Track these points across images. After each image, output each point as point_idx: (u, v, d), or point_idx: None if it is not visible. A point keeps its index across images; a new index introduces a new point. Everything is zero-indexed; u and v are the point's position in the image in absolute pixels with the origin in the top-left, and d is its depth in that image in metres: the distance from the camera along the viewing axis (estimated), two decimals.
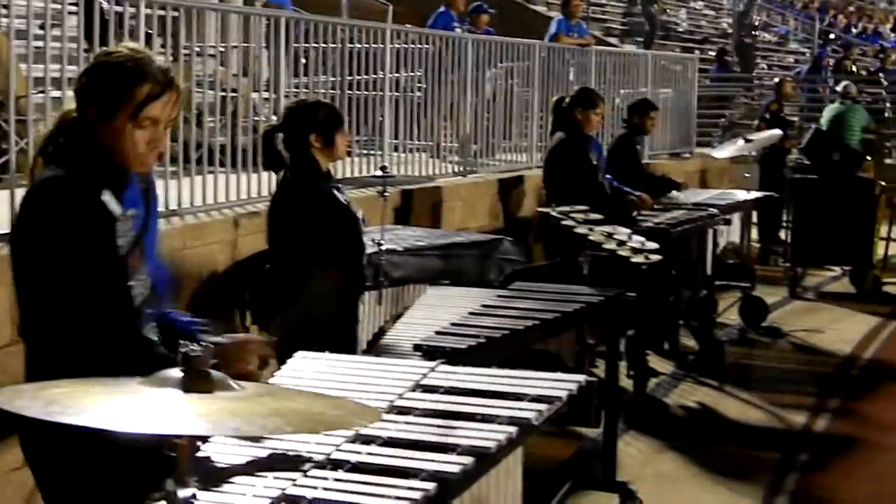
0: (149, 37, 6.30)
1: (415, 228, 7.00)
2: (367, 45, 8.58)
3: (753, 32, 20.73)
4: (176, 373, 1.82)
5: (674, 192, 8.20)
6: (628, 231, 5.43)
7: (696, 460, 5.81)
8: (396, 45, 8.99)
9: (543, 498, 4.92)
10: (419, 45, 9.41)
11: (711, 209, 7.80)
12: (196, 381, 1.80)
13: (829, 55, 21.77)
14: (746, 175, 10.81)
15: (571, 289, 4.76)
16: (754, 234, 11.16)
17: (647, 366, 6.79)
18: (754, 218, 10.78)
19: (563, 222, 5.39)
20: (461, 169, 9.51)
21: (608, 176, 7.65)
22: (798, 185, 10.15)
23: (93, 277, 2.60)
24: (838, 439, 6.27)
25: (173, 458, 1.80)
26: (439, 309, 4.47)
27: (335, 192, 4.38)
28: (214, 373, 1.83)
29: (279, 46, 7.44)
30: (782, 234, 11.02)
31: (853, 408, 6.87)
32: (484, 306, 4.44)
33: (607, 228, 5.29)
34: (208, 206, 6.42)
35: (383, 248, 5.68)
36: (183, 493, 1.81)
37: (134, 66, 2.70)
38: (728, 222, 7.90)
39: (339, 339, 4.24)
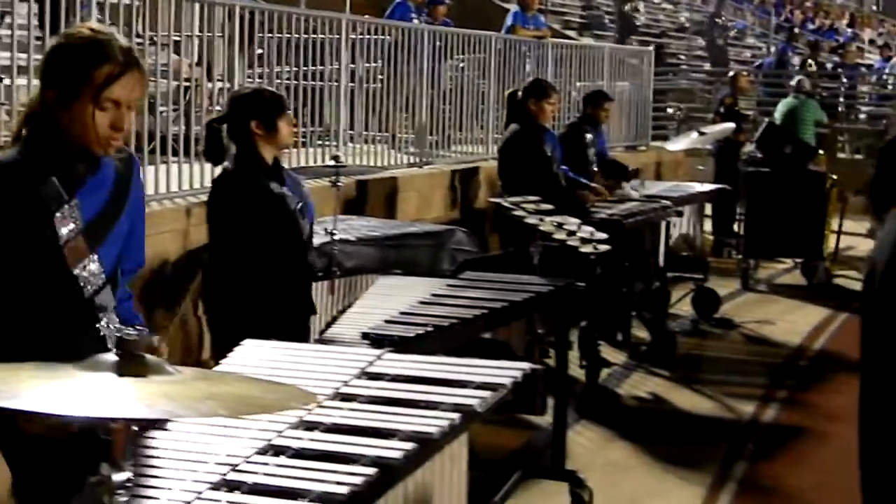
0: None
1: (368, 219, 7.01)
2: (325, 36, 8.57)
3: (726, 33, 20.89)
4: (111, 357, 1.82)
5: (633, 182, 8.25)
6: (578, 221, 5.47)
7: (645, 449, 5.86)
8: (354, 36, 8.99)
9: (493, 486, 4.96)
10: (376, 36, 9.41)
11: (664, 201, 7.87)
12: (131, 365, 1.80)
13: (794, 52, 21.91)
14: (700, 167, 10.92)
15: (521, 278, 4.79)
16: (708, 226, 11.28)
17: (600, 356, 6.84)
18: (708, 210, 10.91)
19: (514, 212, 5.42)
20: (417, 160, 9.52)
21: (564, 167, 7.69)
22: (751, 179, 10.24)
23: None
24: (786, 429, 6.34)
25: (108, 442, 1.80)
26: (389, 298, 4.48)
27: (273, 184, 4.34)
28: (150, 357, 1.84)
29: (235, 36, 7.42)
30: (736, 227, 11.11)
31: (801, 398, 6.95)
32: (433, 295, 4.46)
33: (557, 219, 5.32)
34: (161, 195, 6.40)
35: (335, 237, 5.70)
36: (118, 477, 1.82)
37: (93, 47, 2.63)
38: (680, 214, 7.96)
39: (292, 328, 4.24)
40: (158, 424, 2.47)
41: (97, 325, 2.70)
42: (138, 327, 2.14)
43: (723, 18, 21.54)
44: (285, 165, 4.88)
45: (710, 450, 5.92)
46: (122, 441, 1.80)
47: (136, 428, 1.85)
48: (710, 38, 20.92)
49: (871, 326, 2.49)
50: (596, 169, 8.34)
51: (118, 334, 1.84)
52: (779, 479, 5.54)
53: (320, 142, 8.52)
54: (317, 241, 5.21)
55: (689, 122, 14.16)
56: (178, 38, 7.53)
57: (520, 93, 7.42)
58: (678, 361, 7.50)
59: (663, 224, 7.65)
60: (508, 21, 12.32)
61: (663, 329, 7.82)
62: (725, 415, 6.60)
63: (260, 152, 4.37)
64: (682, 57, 21.93)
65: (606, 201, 7.57)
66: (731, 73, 13.36)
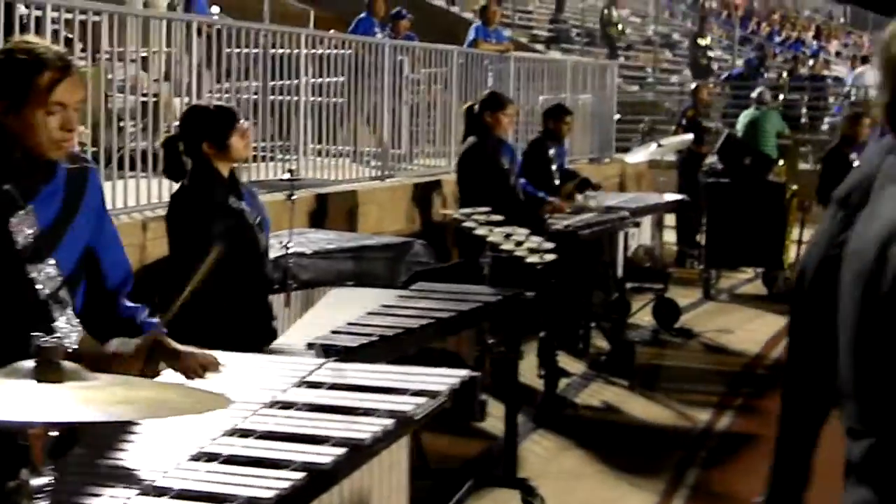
0: (69, 41, 6.32)
1: (326, 232, 7.06)
2: (289, 50, 8.64)
3: (708, 54, 21.14)
4: (29, 363, 1.87)
5: (587, 192, 8.32)
6: (527, 232, 5.53)
7: (600, 458, 5.93)
8: (317, 51, 9.06)
9: (445, 495, 5.02)
10: (339, 51, 9.48)
11: (622, 212, 7.95)
12: (48, 372, 1.85)
13: (763, 63, 22.05)
14: (663, 179, 11.02)
15: (471, 289, 4.85)
16: (673, 237, 11.39)
17: (558, 366, 6.91)
18: (672, 221, 11.01)
19: (464, 224, 5.48)
20: (379, 173, 9.58)
21: (522, 180, 7.77)
22: (711, 189, 10.34)
23: None
24: (740, 436, 6.41)
25: (27, 447, 1.85)
26: (339, 309, 4.52)
27: (231, 198, 4.39)
28: (66, 363, 1.88)
29: (201, 51, 7.48)
30: (699, 238, 11.21)
31: (757, 405, 7.02)
32: (383, 306, 4.51)
33: (506, 229, 5.38)
34: (118, 210, 6.43)
35: (290, 251, 5.74)
36: (37, 482, 1.86)
37: (31, 57, 2.77)
38: (637, 225, 8.04)
39: (252, 341, 4.28)
40: (92, 431, 2.52)
41: (52, 325, 2.81)
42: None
43: (706, 39, 21.77)
44: (244, 179, 4.91)
45: (665, 457, 5.99)
46: (41, 446, 1.84)
47: (54, 433, 1.89)
48: (693, 56, 21.16)
49: (797, 329, 2.56)
50: (558, 182, 8.42)
51: (36, 342, 1.88)
52: (730, 485, 5.61)
53: (283, 156, 8.58)
54: (272, 254, 5.25)
55: (654, 135, 14.26)
56: (144, 55, 7.58)
57: (476, 106, 7.49)
58: (637, 371, 7.57)
59: (621, 235, 7.73)
60: (471, 35, 12.42)
61: (622, 339, 7.89)
62: (681, 423, 6.67)
63: (215, 167, 4.42)
64: (649, 70, 22.08)
65: (564, 213, 7.65)
66: (693, 86, 13.49)
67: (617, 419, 6.76)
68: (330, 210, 8.04)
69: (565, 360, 7.65)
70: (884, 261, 1.82)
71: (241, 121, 4.54)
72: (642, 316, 9.04)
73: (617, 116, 14.56)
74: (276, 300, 4.95)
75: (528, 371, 7.18)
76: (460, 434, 6.12)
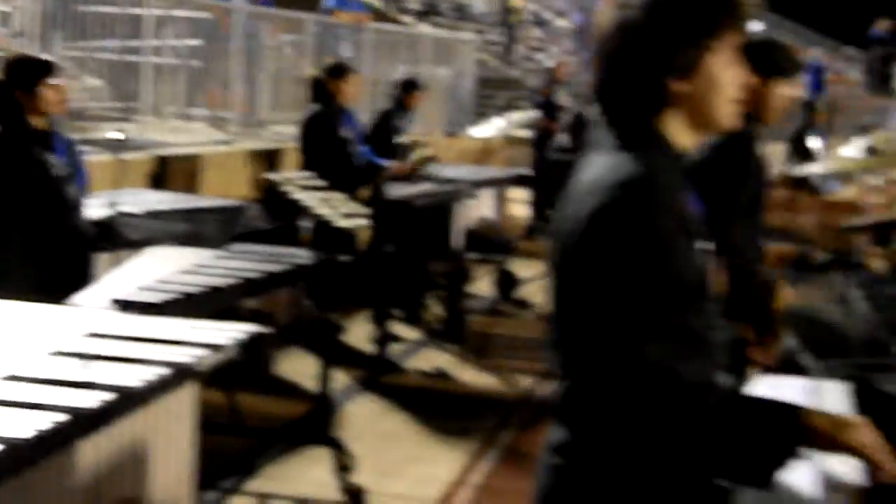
0: None
1: (160, 192, 7.08)
2: (146, 11, 8.62)
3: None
4: None
5: (423, 152, 8.49)
6: (343, 197, 5.67)
7: (420, 420, 6.12)
8: (174, 13, 9.04)
9: (259, 452, 5.16)
10: (197, 13, 9.47)
11: (461, 184, 8.14)
12: None
13: None
14: (516, 155, 11.28)
15: (286, 251, 4.96)
16: (525, 210, 11.68)
17: (389, 331, 7.09)
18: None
19: (282, 187, 5.59)
20: (224, 138, 9.61)
21: (366, 148, 7.90)
22: (555, 166, 10.62)
23: None
24: None
25: None
26: (153, 267, 4.59)
27: (36, 149, 4.43)
28: None
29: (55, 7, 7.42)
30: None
31: None
32: (195, 265, 4.59)
33: (324, 195, 5.51)
34: None
35: (118, 209, 5.77)
36: None
37: None
38: (474, 196, 8.23)
39: (62, 291, 4.33)
40: None
41: None
42: None
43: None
44: (80, 136, 4.93)
45: (482, 420, 6.21)
46: None
47: None
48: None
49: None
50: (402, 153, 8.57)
51: None
52: (542, 447, 5.83)
53: (132, 117, 8.57)
54: (100, 213, 5.29)
55: (510, 111, 14.52)
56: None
57: (320, 73, 7.60)
58: (469, 339, 7.79)
59: (457, 205, 7.91)
60: (326, 4, 12.47)
61: (456, 307, 8.10)
62: (504, 389, 6.91)
63: (26, 118, 4.47)
64: (523, 48, 22.38)
65: (403, 180, 7.81)
66: (550, 64, 13.77)
67: (443, 385, 6.97)
68: (171, 173, 8.06)
69: (402, 327, 7.85)
70: (572, 220, 2.00)
71: (57, 76, 4.59)
72: (484, 286, 9.27)
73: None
74: (104, 258, 5.00)
75: (363, 336, 7.36)
76: (287, 395, 6.27)
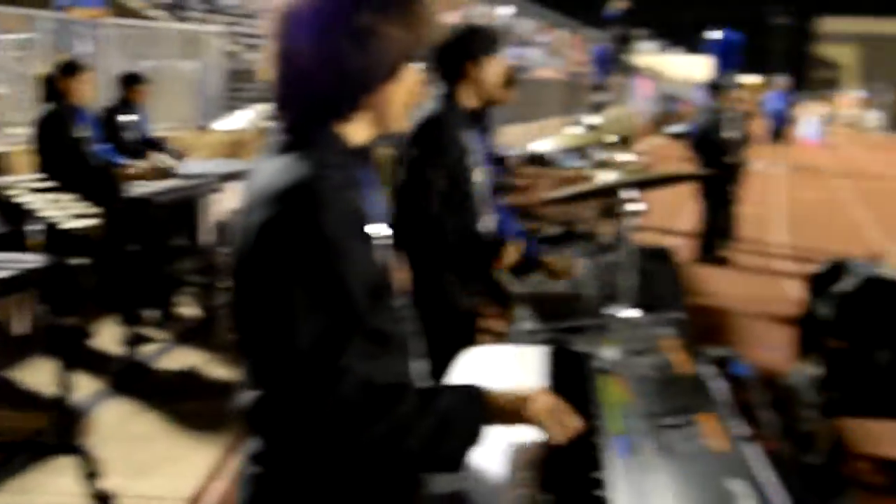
0: None
1: None
2: None
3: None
4: None
5: (161, 155, 8.38)
6: (72, 198, 5.53)
7: (172, 420, 6.03)
8: None
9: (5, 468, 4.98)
10: None
11: (206, 178, 8.04)
12: None
13: None
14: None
15: (13, 256, 4.80)
16: None
17: (138, 333, 6.94)
18: None
19: (7, 192, 5.41)
20: None
21: (106, 146, 7.69)
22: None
23: None
24: None
25: None
26: None
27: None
28: None
29: None
30: None
31: None
32: None
33: (54, 196, 5.36)
34: None
35: None
36: None
37: None
38: (219, 190, 8.15)
39: None
40: None
41: None
42: None
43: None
44: None
45: (237, 417, 6.16)
46: None
47: None
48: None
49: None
50: (141, 150, 8.41)
51: None
52: None
53: None
54: None
55: (262, 102, 14.38)
56: None
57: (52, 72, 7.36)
58: (222, 336, 7.70)
59: (201, 201, 7.81)
60: (60, 1, 12.07)
61: (209, 304, 8.00)
62: None
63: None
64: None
65: (144, 179, 7.66)
66: None
67: (197, 383, 6.87)
68: None
69: (151, 329, 7.69)
70: (245, 231, 1.94)
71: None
72: None
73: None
74: None
75: (114, 339, 7.18)
76: (28, 406, 6.06)
